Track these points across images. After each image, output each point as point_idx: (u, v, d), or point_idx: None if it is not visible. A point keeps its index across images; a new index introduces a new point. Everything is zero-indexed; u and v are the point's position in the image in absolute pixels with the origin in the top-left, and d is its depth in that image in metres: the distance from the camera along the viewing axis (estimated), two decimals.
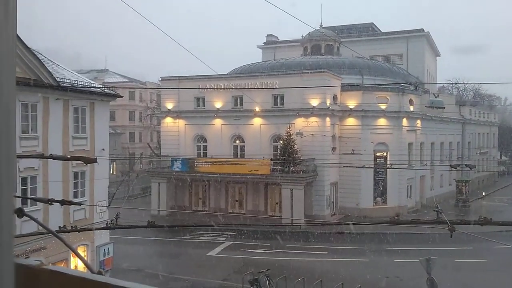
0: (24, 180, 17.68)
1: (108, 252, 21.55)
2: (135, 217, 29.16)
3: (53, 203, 5.63)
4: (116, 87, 31.30)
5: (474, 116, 57.50)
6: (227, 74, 45.26)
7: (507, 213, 40.42)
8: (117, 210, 15.90)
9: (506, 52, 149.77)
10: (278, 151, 36.78)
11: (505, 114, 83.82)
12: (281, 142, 36.39)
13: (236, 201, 39.61)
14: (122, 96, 27.79)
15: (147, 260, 26.72)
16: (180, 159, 38.19)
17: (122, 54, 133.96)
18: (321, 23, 54.00)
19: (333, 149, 37.61)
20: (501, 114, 77.36)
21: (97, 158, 6.27)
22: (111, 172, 55.10)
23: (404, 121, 39.55)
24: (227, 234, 31.39)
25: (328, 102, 36.39)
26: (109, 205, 21.89)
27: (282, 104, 37.55)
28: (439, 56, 71.82)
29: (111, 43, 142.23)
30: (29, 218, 2.92)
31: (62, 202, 5.85)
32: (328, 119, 36.53)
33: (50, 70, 18.38)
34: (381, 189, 39.13)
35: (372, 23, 66.34)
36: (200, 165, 37.70)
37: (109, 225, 9.95)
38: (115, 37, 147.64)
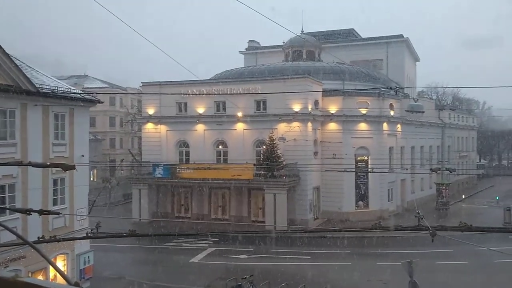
0: (2, 188, 17.33)
1: (89, 260, 21.21)
2: (116, 225, 28.87)
3: (31, 213, 5.49)
4: (96, 93, 31.01)
5: (453, 120, 58.43)
6: (210, 79, 45.16)
7: (486, 215, 41.07)
8: (97, 217, 15.70)
9: (484, 56, 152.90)
10: (261, 156, 36.82)
11: (483, 118, 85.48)
12: (264, 147, 36.44)
13: (219, 206, 39.45)
14: (102, 102, 27.43)
15: (129, 268, 26.40)
16: (162, 165, 37.91)
17: (103, 60, 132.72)
18: (302, 29, 54.42)
19: (315, 153, 37.81)
20: (479, 118, 78.83)
21: (76, 165, 6.16)
22: (92, 179, 54.45)
23: (385, 126, 39.97)
24: (210, 240, 31.20)
25: (310, 107, 36.61)
26: (89, 212, 21.54)
27: (264, 109, 37.63)
28: (419, 61, 72.87)
29: (91, 48, 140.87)
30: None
31: (41, 212, 5.70)
32: (310, 124, 36.72)
33: (29, 76, 18.09)
34: (362, 193, 39.42)
35: (352, 28, 67.03)
36: (182, 171, 37.47)
37: (89, 234, 9.80)
38: (95, 42, 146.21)
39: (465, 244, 23.50)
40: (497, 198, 47.97)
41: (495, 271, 23.69)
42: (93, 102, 22.63)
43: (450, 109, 60.10)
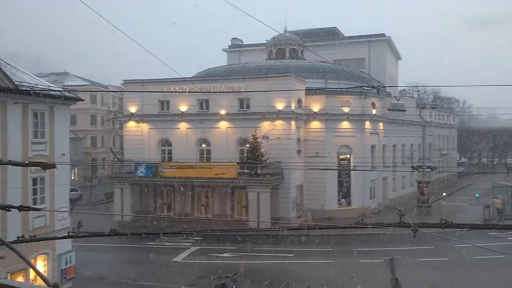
0: None
1: (70, 260, 20.92)
2: (98, 224, 28.53)
3: (11, 209, 5.40)
4: (77, 90, 30.46)
5: (434, 118, 59.15)
6: (192, 77, 44.92)
7: (467, 212, 41.71)
8: (79, 216, 15.50)
9: (465, 56, 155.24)
10: (245, 155, 36.78)
11: (463, 117, 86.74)
12: (248, 145, 36.40)
13: (203, 205, 39.29)
14: (83, 100, 27.08)
15: (111, 268, 26.14)
16: (144, 164, 37.61)
17: (83, 57, 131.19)
18: (285, 27, 54.53)
19: (299, 152, 37.92)
20: (460, 117, 79.97)
21: (57, 163, 6.05)
22: (73, 177, 53.79)
23: (367, 124, 40.27)
24: (193, 239, 31.08)
25: (293, 105, 36.70)
26: (70, 212, 21.26)
27: (248, 107, 37.58)
28: (400, 59, 73.62)
29: (71, 45, 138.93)
30: None
31: (20, 208, 5.62)
32: (293, 122, 36.81)
33: (8, 74, 17.74)
34: (345, 190, 39.68)
35: (335, 27, 67.32)
36: (164, 170, 37.23)
37: (70, 233, 9.65)
38: (75, 39, 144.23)
39: (446, 240, 23.90)
40: (477, 195, 48.74)
41: (476, 267, 24.07)
42: (74, 100, 22.31)
43: (431, 108, 60.80)
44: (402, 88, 76.24)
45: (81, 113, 63.92)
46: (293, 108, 36.55)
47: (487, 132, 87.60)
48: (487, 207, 37.95)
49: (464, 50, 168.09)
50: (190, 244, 30.36)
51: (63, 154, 20.61)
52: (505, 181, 44.27)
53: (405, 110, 40.14)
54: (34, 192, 19.31)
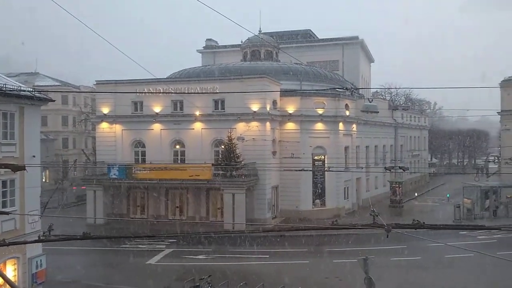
0: None
1: (41, 264, 20.45)
2: (70, 227, 27.98)
3: None
4: (48, 91, 29.83)
5: (405, 120, 60.18)
6: (166, 78, 44.61)
7: (438, 212, 42.55)
8: (50, 219, 15.14)
9: (435, 58, 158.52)
10: (220, 156, 36.68)
11: (434, 118, 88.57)
12: (223, 146, 36.32)
13: (177, 207, 38.99)
14: (54, 100, 26.54)
15: (84, 271, 25.65)
16: (117, 166, 37.10)
17: (54, 57, 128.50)
18: (260, 28, 54.61)
19: (274, 153, 38.04)
20: (431, 118, 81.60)
21: (27, 165, 5.91)
22: (44, 180, 52.71)
23: (341, 125, 40.69)
24: (168, 241, 30.79)
25: (268, 107, 36.80)
26: (41, 215, 20.77)
27: (223, 108, 37.48)
28: (373, 62, 74.72)
29: (42, 44, 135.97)
30: None
31: None
32: (268, 123, 36.90)
33: None
34: (319, 191, 40.00)
35: (309, 29, 67.92)
36: (138, 172, 36.79)
37: (41, 237, 9.44)
38: (46, 38, 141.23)
39: (418, 239, 24.33)
40: (448, 195, 49.82)
41: (446, 266, 24.62)
42: (44, 100, 21.80)
43: (403, 109, 61.91)
44: (375, 90, 77.51)
45: (52, 114, 62.83)
46: (268, 109, 36.65)
47: (457, 133, 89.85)
48: (457, 207, 38.82)
49: (434, 53, 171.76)
50: (164, 246, 30.07)
51: (34, 156, 20.13)
52: (474, 181, 45.36)
53: (377, 112, 40.52)
54: (4, 194, 18.79)
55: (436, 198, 52.02)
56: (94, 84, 44.02)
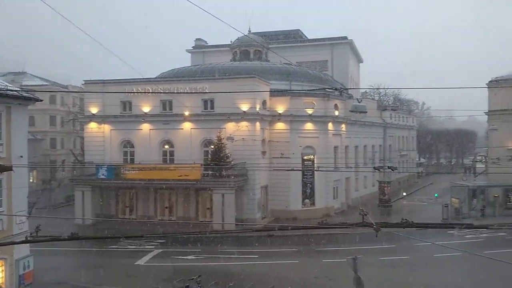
0: None
1: (29, 265, 20.25)
2: (58, 228, 27.75)
3: None
4: (35, 90, 29.38)
5: (394, 120, 60.59)
6: (155, 78, 44.43)
7: (426, 212, 42.88)
8: (38, 220, 15.00)
9: (423, 58, 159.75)
10: (209, 156, 36.58)
11: (422, 118, 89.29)
12: (212, 146, 36.24)
13: (166, 207, 38.84)
14: (41, 100, 26.23)
15: (72, 272, 25.46)
16: (106, 166, 36.87)
17: (42, 56, 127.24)
18: (249, 28, 54.63)
19: (263, 153, 38.05)
20: (419, 118, 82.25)
21: (14, 166, 5.85)
22: (31, 180, 52.21)
23: (330, 125, 40.82)
24: (156, 242, 30.65)
25: (258, 107, 36.79)
26: (28, 215, 20.55)
27: (212, 108, 37.40)
28: (362, 62, 75.07)
29: (30, 44, 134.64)
30: None
31: None
32: (258, 123, 36.90)
33: None
34: (309, 191, 40.09)
35: (299, 29, 68.08)
36: (127, 172, 36.55)
37: (29, 237, 9.34)
38: (34, 37, 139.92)
39: (407, 239, 24.50)
40: (436, 195, 50.24)
41: (435, 265, 24.80)
42: (32, 100, 21.59)
43: (392, 110, 62.31)
44: (364, 90, 77.88)
45: (39, 114, 62.32)
46: (257, 109, 36.65)
47: (445, 133, 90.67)
48: (445, 206, 39.16)
49: (422, 54, 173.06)
50: (153, 247, 29.93)
51: (21, 156, 19.92)
52: (462, 181, 45.78)
53: (366, 112, 40.77)
54: None
55: (424, 198, 52.42)
56: (82, 84, 43.70)
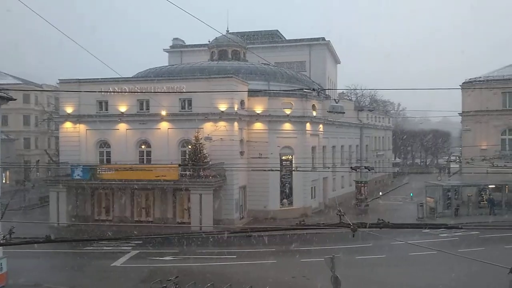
0: None
1: (1, 267, 19.83)
2: (32, 229, 27.22)
3: None
4: (8, 89, 28.73)
5: (371, 120, 61.30)
6: (132, 77, 43.96)
7: (402, 211, 43.52)
8: (11, 222, 14.66)
9: (399, 60, 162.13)
10: (187, 156, 36.39)
11: (398, 119, 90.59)
12: (190, 146, 36.05)
13: (143, 208, 38.49)
14: (15, 99, 25.66)
15: (47, 274, 24.99)
16: (81, 167, 36.30)
17: (15, 55, 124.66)
18: (227, 28, 54.52)
19: (242, 153, 38.03)
20: (395, 119, 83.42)
21: None
22: (4, 181, 51.12)
23: (308, 126, 41.05)
24: (133, 243, 30.32)
25: (236, 107, 36.74)
26: (1, 217, 20.09)
27: (190, 108, 37.20)
28: (339, 63, 75.71)
29: (2, 41, 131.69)
30: None
31: None
32: (236, 123, 36.86)
33: None
34: (287, 191, 40.25)
35: (277, 30, 68.27)
36: (103, 172, 36.03)
37: (1, 240, 9.12)
38: (6, 34, 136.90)
39: (383, 238, 24.79)
40: (411, 194, 51.01)
41: (410, 263, 25.19)
42: (5, 99, 21.14)
43: (368, 110, 63.05)
44: (341, 91, 78.52)
45: (13, 113, 61.12)
46: (236, 109, 36.60)
47: (420, 133, 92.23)
48: (420, 206, 39.82)
49: (398, 56, 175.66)
50: (130, 248, 29.59)
51: None
52: (437, 180, 46.60)
53: (343, 112, 41.40)
54: None
55: (400, 197, 53.17)
56: (57, 83, 42.95)
